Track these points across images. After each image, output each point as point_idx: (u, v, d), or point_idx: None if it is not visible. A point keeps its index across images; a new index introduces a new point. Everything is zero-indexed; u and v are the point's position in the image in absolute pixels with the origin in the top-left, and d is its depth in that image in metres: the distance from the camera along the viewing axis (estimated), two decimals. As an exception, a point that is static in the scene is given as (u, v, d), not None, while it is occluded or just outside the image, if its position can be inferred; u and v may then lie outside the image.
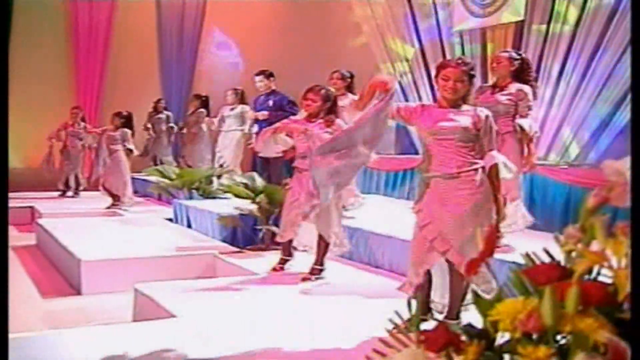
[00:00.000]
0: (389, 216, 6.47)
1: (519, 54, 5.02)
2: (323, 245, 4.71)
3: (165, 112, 11.76)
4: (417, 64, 8.76)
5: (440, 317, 3.41)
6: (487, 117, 3.41)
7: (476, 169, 3.37)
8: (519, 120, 4.73)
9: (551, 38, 6.96)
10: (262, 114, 7.64)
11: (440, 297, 3.53)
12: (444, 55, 8.05)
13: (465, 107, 3.43)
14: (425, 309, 3.42)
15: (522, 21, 7.29)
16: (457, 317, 3.33)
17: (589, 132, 6.57)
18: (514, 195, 4.71)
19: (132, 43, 12.23)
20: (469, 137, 3.37)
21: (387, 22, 9.37)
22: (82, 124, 10.09)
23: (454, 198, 3.35)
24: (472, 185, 3.35)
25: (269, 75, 7.82)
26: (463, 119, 3.39)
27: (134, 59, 12.16)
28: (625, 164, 1.16)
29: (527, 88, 4.77)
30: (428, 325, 1.32)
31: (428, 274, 3.47)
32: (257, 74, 7.88)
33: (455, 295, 3.39)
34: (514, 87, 4.77)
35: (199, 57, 13.04)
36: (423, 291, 3.46)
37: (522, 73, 4.83)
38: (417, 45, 8.88)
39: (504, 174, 3.41)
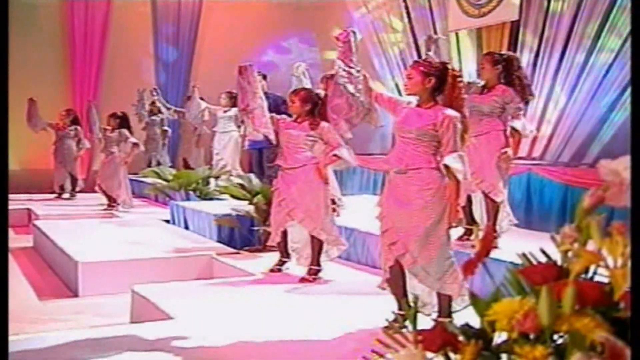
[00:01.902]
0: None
1: (502, 55, 5.02)
2: (316, 244, 4.72)
3: (161, 114, 11.74)
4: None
5: (432, 317, 3.40)
6: (447, 117, 3.35)
7: (428, 168, 3.36)
8: (511, 122, 4.74)
9: (547, 37, 6.98)
10: None
11: (427, 295, 3.52)
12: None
13: (436, 106, 3.41)
14: (407, 301, 3.39)
15: (518, 21, 7.31)
16: (450, 315, 3.33)
17: (585, 131, 6.59)
18: (497, 196, 4.72)
19: (128, 42, 12.21)
20: (427, 136, 3.37)
21: (384, 22, 9.40)
22: (73, 126, 10.02)
23: (404, 194, 3.38)
24: (421, 182, 3.35)
25: (263, 76, 7.80)
26: (423, 118, 3.40)
27: (130, 59, 12.14)
28: (620, 164, 1.17)
29: (512, 90, 4.77)
30: (424, 324, 1.32)
31: (400, 268, 3.47)
32: None
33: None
34: (501, 88, 4.79)
35: (195, 55, 13.03)
36: (398, 286, 3.47)
37: (507, 73, 4.83)
38: (413, 46, 8.90)
39: (457, 176, 3.33)
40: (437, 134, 3.37)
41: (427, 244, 3.32)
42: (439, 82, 3.43)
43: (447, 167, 3.32)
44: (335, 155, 4.63)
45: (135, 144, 8.68)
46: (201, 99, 10.45)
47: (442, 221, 3.34)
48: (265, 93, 7.75)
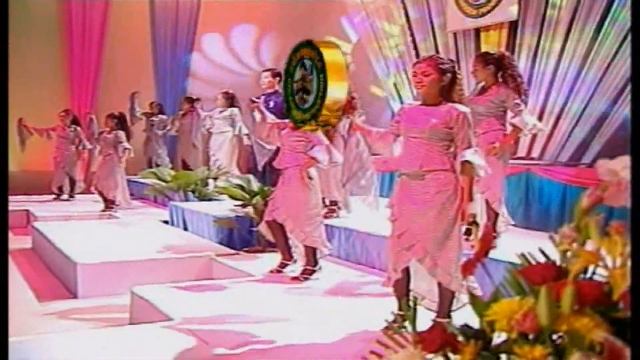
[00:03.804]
0: (384, 217, 6.45)
1: (492, 55, 5.03)
2: (309, 246, 4.72)
3: (160, 115, 11.73)
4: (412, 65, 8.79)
5: (432, 315, 3.40)
6: (461, 114, 3.31)
7: (444, 169, 3.32)
8: (512, 120, 4.76)
9: (545, 37, 6.99)
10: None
11: (428, 291, 3.51)
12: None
13: (446, 104, 3.36)
14: (407, 301, 3.38)
15: (516, 21, 7.31)
16: (449, 316, 3.33)
17: (584, 131, 6.59)
18: (495, 197, 4.71)
19: (126, 44, 12.21)
20: (440, 135, 3.32)
21: (382, 21, 9.40)
22: (73, 126, 10.00)
23: (420, 196, 3.33)
24: (438, 184, 3.31)
25: (276, 74, 7.68)
26: (435, 116, 3.34)
27: (128, 59, 12.14)
28: (619, 164, 1.17)
29: (506, 88, 4.78)
30: (422, 321, 1.32)
31: (408, 271, 3.46)
32: (265, 70, 7.78)
33: (445, 293, 3.38)
34: (495, 88, 4.80)
35: (193, 57, 13.03)
36: (403, 287, 3.46)
37: (500, 72, 4.83)
38: (411, 48, 8.91)
39: (477, 172, 3.32)
40: (451, 132, 3.32)
41: (445, 245, 3.30)
42: (453, 79, 3.40)
43: (465, 163, 3.28)
44: (311, 157, 4.61)
45: (126, 149, 8.66)
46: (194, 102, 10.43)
47: (457, 221, 3.32)
48: (275, 92, 7.75)
